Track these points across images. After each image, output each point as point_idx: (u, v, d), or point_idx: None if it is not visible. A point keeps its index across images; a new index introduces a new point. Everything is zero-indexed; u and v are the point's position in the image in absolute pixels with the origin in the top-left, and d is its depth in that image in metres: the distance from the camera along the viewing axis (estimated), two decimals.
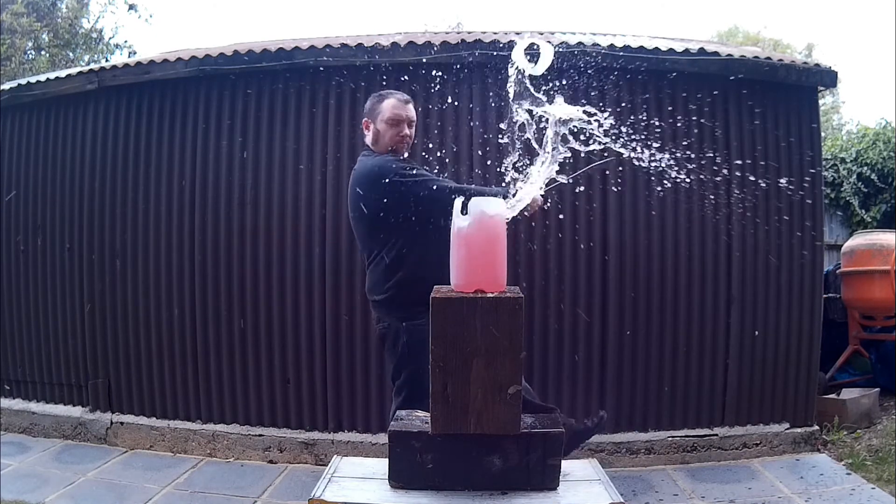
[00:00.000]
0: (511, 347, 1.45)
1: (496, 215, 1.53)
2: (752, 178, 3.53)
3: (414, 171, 2.29)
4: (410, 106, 2.42)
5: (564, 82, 3.37)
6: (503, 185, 2.38)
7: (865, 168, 6.55)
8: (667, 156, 3.48)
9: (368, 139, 2.44)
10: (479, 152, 3.44)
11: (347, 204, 2.46)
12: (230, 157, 3.60)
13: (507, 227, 1.60)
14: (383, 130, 2.37)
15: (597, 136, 1.95)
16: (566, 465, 1.62)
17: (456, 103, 3.44)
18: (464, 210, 1.58)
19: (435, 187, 2.23)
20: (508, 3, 31.14)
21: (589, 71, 3.36)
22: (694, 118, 3.49)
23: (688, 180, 3.49)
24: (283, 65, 3.47)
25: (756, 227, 3.52)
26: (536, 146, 1.92)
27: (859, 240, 4.63)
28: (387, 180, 2.23)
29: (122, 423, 3.74)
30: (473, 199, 1.57)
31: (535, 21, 31.75)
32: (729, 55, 3.49)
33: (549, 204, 2.42)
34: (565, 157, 1.92)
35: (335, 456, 1.77)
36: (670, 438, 3.46)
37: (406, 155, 2.43)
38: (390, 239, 2.29)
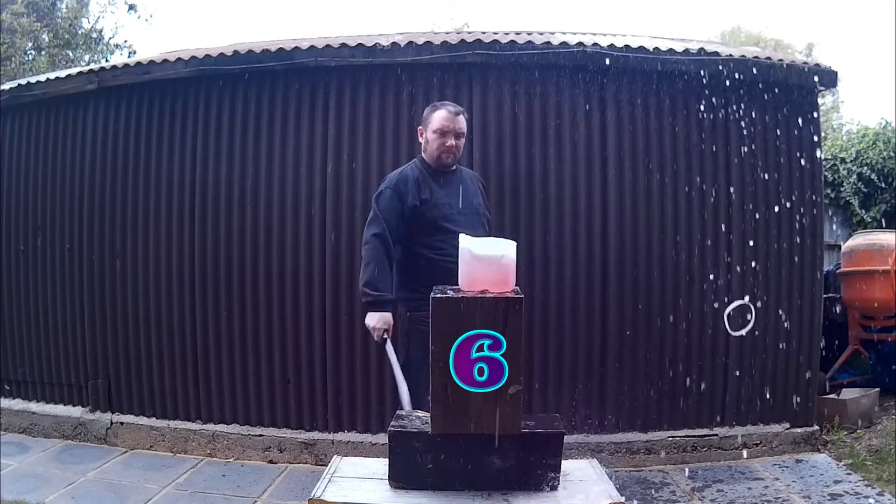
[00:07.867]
0: (511, 347, 1.45)
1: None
2: (751, 178, 3.53)
3: (382, 209, 2.48)
4: (461, 118, 2.55)
5: (565, 83, 3.41)
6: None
7: (865, 168, 6.55)
8: (667, 155, 3.49)
9: (422, 146, 2.61)
10: (479, 152, 3.44)
11: None
12: (230, 157, 3.60)
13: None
14: (431, 140, 2.53)
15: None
16: (566, 465, 1.61)
17: (456, 103, 3.44)
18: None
19: (366, 233, 2.49)
20: (512, 4, 31.16)
21: (589, 71, 3.37)
22: (694, 118, 3.49)
23: (688, 180, 3.49)
24: (283, 65, 3.47)
25: (756, 226, 3.52)
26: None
27: (859, 240, 4.63)
28: (375, 195, 2.55)
29: (122, 423, 3.74)
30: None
31: (538, 21, 31.74)
32: (729, 55, 3.49)
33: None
34: None
35: (335, 456, 1.76)
36: (670, 438, 3.46)
37: (450, 161, 2.57)
38: (396, 240, 2.52)
